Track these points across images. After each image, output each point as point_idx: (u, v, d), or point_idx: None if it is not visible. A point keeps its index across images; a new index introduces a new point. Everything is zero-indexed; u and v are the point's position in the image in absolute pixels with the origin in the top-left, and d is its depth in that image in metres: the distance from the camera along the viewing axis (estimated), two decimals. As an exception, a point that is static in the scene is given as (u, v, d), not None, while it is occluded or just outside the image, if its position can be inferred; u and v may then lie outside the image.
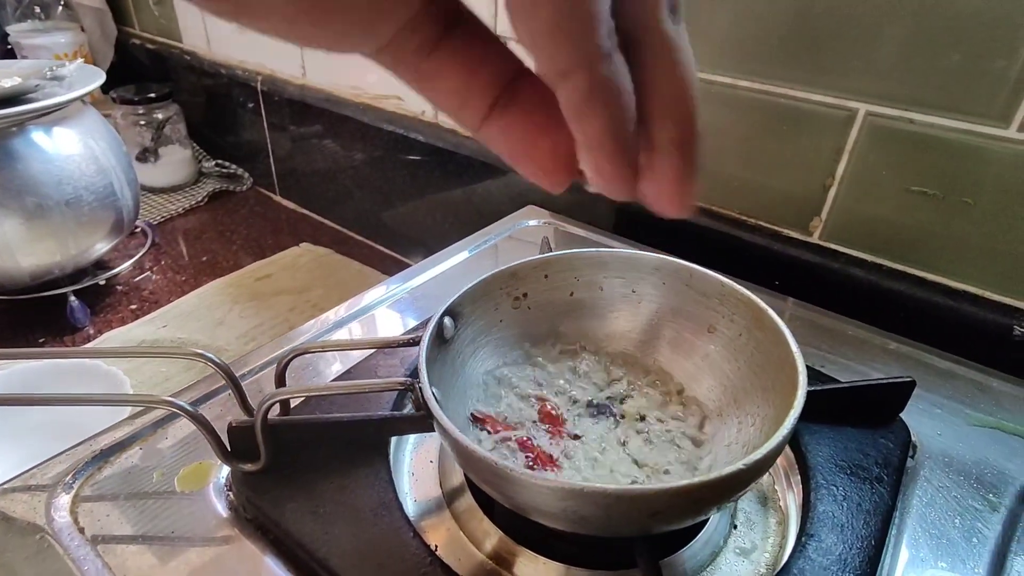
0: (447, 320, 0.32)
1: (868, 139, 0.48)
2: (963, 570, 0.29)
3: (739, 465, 0.22)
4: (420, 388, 0.27)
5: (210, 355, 0.32)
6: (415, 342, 0.30)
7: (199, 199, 1.02)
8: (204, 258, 0.89)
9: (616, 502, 0.22)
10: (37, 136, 0.69)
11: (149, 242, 0.89)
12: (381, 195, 0.90)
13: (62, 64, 0.75)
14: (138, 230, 0.91)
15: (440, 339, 0.31)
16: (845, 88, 0.48)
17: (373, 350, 0.39)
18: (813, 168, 0.52)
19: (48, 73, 0.73)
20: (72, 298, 0.75)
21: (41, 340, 0.72)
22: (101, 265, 0.82)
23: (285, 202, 1.05)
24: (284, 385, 0.34)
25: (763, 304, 0.31)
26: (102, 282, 0.79)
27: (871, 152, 0.49)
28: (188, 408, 0.29)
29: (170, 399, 0.29)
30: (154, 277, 0.84)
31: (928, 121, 0.45)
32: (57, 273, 0.74)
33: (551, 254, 0.36)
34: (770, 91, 0.51)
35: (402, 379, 0.28)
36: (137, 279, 0.84)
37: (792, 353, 0.28)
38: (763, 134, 0.54)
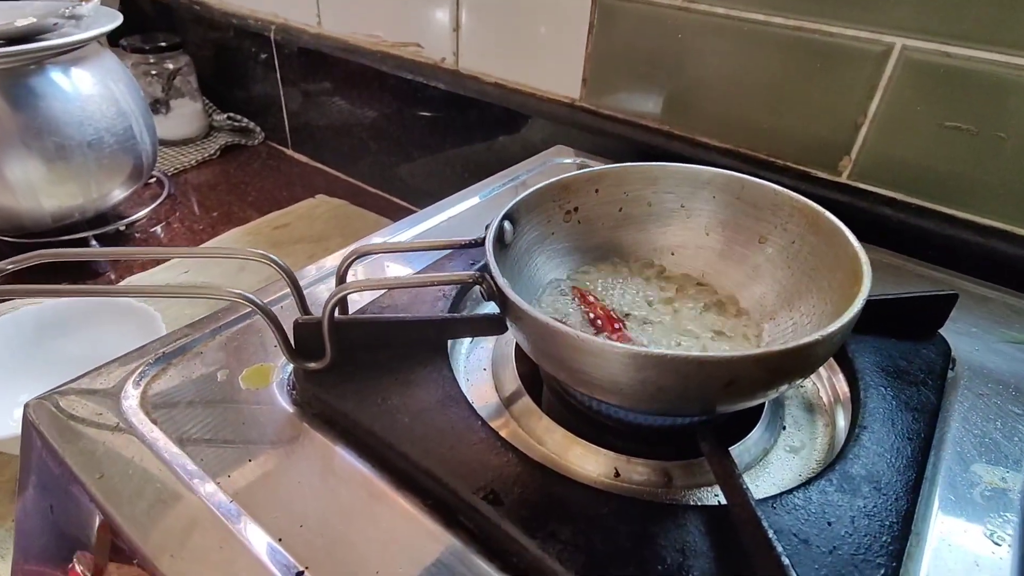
0: (507, 224, 0.32)
1: (903, 74, 0.49)
2: (1007, 463, 0.31)
3: (816, 336, 0.23)
4: (492, 277, 0.27)
5: (273, 256, 0.32)
6: (479, 243, 0.31)
7: (211, 152, 1.01)
8: (217, 212, 0.89)
9: (698, 369, 0.23)
10: (56, 76, 0.68)
11: (165, 192, 0.89)
12: (398, 147, 0.89)
13: (78, 3, 0.74)
14: (153, 180, 0.91)
15: (500, 243, 0.32)
16: (882, 22, 0.48)
17: (435, 255, 0.39)
18: (844, 107, 0.52)
19: (65, 12, 0.72)
20: (93, 242, 0.75)
21: (63, 284, 0.72)
22: (119, 213, 0.82)
23: (298, 156, 1.05)
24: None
25: (819, 207, 0.32)
26: (122, 228, 0.79)
27: (906, 88, 0.49)
28: (259, 303, 0.29)
29: (242, 292, 0.29)
30: (172, 226, 0.84)
31: (965, 54, 0.46)
32: (78, 217, 0.73)
33: (602, 167, 0.37)
34: (804, 27, 0.51)
35: (472, 272, 0.29)
36: (154, 227, 0.84)
37: (853, 247, 0.28)
38: (795, 73, 0.54)
